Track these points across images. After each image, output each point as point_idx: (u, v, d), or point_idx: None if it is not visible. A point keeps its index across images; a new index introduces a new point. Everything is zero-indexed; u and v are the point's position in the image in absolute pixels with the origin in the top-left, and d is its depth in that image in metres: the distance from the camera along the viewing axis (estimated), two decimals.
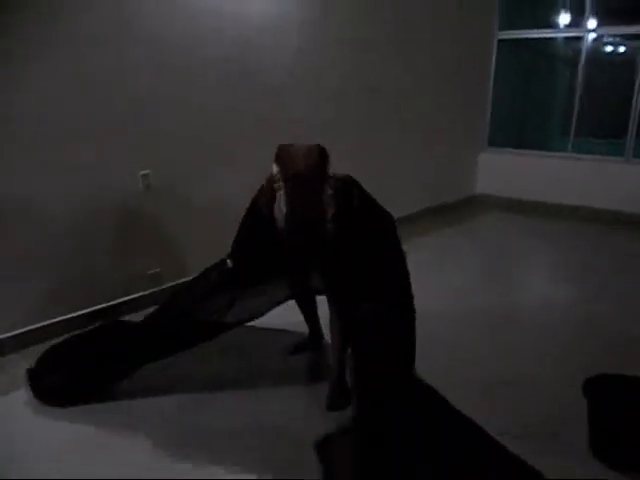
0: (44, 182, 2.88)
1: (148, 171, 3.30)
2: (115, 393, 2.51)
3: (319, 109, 4.38)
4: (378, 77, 4.99)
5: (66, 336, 2.91)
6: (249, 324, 2.67)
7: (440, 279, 4.12)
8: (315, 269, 2.47)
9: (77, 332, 2.94)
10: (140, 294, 3.41)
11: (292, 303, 2.79)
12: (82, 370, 2.55)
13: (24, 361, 2.71)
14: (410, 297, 2.36)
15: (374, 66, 4.92)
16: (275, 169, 2.13)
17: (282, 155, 2.13)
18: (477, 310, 3.52)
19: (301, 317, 2.96)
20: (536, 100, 7.45)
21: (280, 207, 2.12)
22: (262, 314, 2.62)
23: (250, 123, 3.84)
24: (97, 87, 3.00)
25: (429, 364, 2.57)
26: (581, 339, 3.15)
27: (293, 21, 4.07)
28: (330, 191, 2.13)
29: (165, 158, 3.39)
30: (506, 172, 6.64)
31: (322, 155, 2.12)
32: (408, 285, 2.37)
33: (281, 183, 2.09)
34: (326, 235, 2.15)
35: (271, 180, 2.17)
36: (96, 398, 2.47)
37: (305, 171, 2.07)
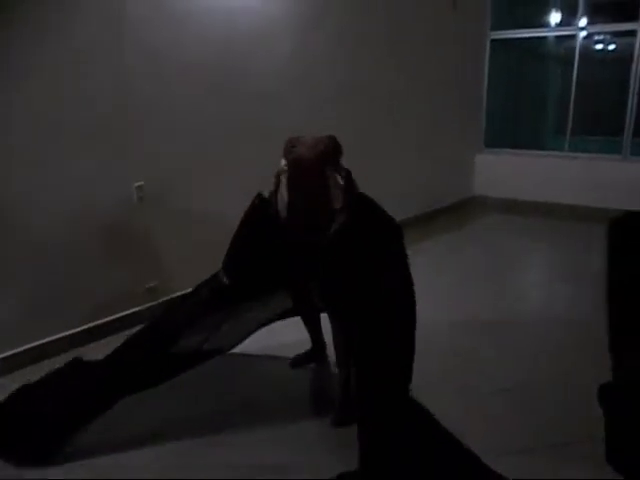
0: (32, 195, 2.79)
1: (142, 182, 3.23)
2: (72, 450, 2.10)
3: (313, 114, 4.31)
4: (373, 80, 4.94)
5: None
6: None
7: (438, 284, 4.05)
8: (316, 271, 2.29)
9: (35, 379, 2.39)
10: (138, 309, 3.33)
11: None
12: (37, 424, 2.16)
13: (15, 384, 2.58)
14: (413, 312, 2.20)
15: (369, 69, 4.87)
16: (282, 162, 2.09)
17: (288, 145, 2.09)
18: (476, 316, 3.46)
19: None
20: (531, 99, 7.43)
21: (282, 194, 2.07)
22: (240, 340, 2.45)
23: (248, 131, 3.77)
24: (87, 98, 2.92)
25: (426, 373, 2.43)
26: (582, 342, 3.06)
27: (285, 26, 4.01)
28: (341, 182, 2.06)
29: (159, 169, 3.31)
30: (503, 173, 6.60)
31: (331, 145, 2.07)
32: (411, 298, 2.20)
33: (285, 172, 2.07)
34: (330, 228, 2.05)
35: (277, 173, 2.13)
36: (51, 457, 2.07)
37: (308, 156, 2.01)
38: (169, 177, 3.38)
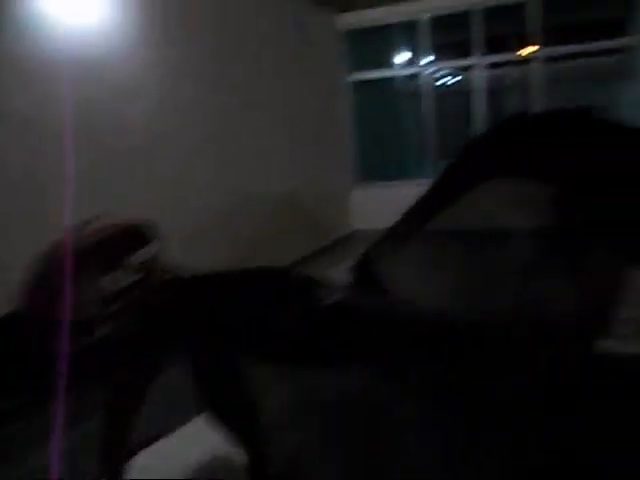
0: None
1: None
2: None
3: (185, 165, 4.18)
4: (230, 125, 4.89)
5: None
6: None
7: None
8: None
9: None
10: None
11: None
12: None
13: None
14: None
15: (238, 112, 4.89)
16: None
17: (67, 233, 1.59)
18: None
19: None
20: (396, 133, 7.87)
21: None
22: None
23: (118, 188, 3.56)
24: None
25: None
26: None
27: (150, 77, 3.90)
28: (108, 287, 1.54)
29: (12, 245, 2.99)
30: (378, 205, 6.80)
31: (116, 238, 1.59)
32: None
33: None
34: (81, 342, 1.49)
35: None
36: None
37: (55, 251, 1.53)
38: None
